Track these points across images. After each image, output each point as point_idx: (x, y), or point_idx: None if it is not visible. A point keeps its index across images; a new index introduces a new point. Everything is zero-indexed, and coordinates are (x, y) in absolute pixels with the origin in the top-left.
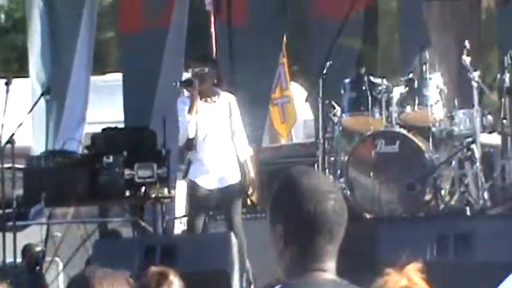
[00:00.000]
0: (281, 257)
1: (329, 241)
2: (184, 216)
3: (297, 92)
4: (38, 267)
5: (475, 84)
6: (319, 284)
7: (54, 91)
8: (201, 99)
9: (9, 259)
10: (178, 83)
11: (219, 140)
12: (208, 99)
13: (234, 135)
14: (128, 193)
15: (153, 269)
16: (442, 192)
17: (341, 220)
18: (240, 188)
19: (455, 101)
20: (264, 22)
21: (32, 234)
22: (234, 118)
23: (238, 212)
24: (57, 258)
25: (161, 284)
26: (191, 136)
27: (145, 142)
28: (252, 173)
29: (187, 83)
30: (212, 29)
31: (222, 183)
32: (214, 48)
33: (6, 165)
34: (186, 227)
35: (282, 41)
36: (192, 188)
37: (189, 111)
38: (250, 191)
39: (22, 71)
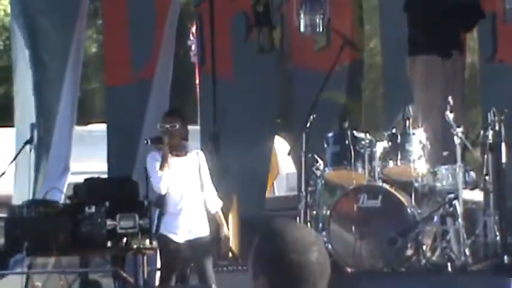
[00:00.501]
0: None
1: None
2: None
3: (280, 145)
4: None
5: (458, 141)
6: None
7: (39, 140)
8: (171, 154)
9: None
10: (149, 141)
11: (189, 193)
12: (179, 153)
13: (203, 188)
14: (109, 243)
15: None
16: (424, 247)
17: (325, 271)
18: (209, 241)
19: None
20: (251, 75)
21: (13, 283)
22: (203, 171)
23: (209, 264)
24: None
25: None
26: (163, 192)
27: (128, 193)
28: (224, 225)
29: (158, 140)
30: (197, 81)
31: (191, 235)
32: (198, 100)
33: None
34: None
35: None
36: (164, 242)
37: (161, 167)
38: (230, 243)
39: (4, 121)
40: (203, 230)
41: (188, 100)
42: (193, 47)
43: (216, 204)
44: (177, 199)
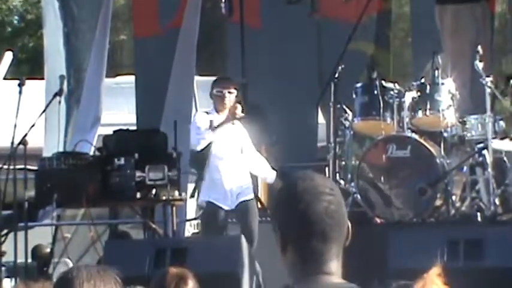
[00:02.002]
0: (284, 260)
1: (323, 243)
2: (194, 218)
3: None
4: (46, 268)
5: (487, 90)
6: None
7: (69, 92)
8: (220, 115)
9: (20, 259)
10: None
11: (235, 159)
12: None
13: (253, 158)
14: (138, 195)
15: (173, 270)
16: (453, 197)
17: (334, 222)
18: (254, 203)
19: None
20: (280, 25)
21: (43, 235)
22: (251, 146)
23: (255, 226)
24: (67, 259)
25: (179, 286)
26: (199, 149)
27: (157, 144)
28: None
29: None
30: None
31: (238, 200)
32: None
33: (18, 166)
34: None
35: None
36: (212, 210)
37: (214, 128)
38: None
39: (33, 73)
40: (248, 194)
41: (217, 52)
42: None
43: (272, 175)
44: (224, 165)
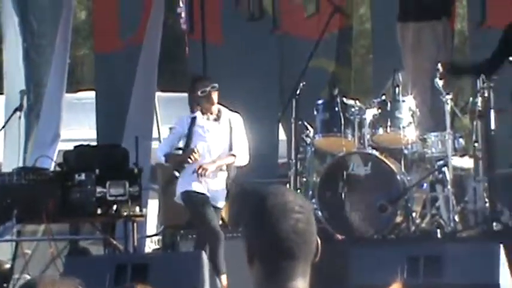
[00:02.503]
0: (250, 271)
1: (290, 260)
2: (155, 234)
3: None
4: (7, 285)
5: (447, 107)
6: None
7: (29, 107)
8: (206, 118)
9: None
10: (177, 173)
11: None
12: (211, 116)
13: (234, 146)
14: (99, 211)
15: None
16: (413, 214)
17: (302, 240)
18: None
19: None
20: (242, 42)
21: (2, 251)
22: (235, 134)
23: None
24: (27, 276)
25: None
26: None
27: (118, 160)
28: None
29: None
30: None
31: (212, 201)
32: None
33: None
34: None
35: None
36: (188, 195)
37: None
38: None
39: None
40: (221, 201)
41: (178, 68)
42: (182, 14)
43: (240, 156)
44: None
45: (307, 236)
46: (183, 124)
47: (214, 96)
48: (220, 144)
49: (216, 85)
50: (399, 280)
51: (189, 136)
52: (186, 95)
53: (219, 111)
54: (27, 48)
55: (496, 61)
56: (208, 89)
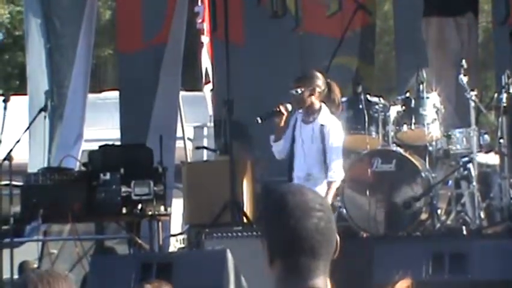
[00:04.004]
0: (271, 272)
1: (312, 259)
2: (180, 233)
3: None
4: None
5: (472, 104)
6: None
7: (52, 108)
8: (303, 120)
9: (6, 275)
10: (260, 119)
11: (306, 161)
12: (306, 119)
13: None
14: (124, 210)
15: (148, 286)
16: (439, 211)
17: (324, 239)
18: None
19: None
20: (264, 41)
21: (29, 251)
22: (327, 143)
23: None
24: None
25: None
26: (279, 158)
27: (142, 159)
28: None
29: (271, 115)
30: (204, 48)
31: None
32: (201, 67)
33: (3, 182)
34: (183, 245)
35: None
36: None
37: (275, 138)
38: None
39: (23, 88)
40: None
41: (193, 66)
42: (200, 14)
43: (332, 174)
44: (296, 165)
45: (329, 234)
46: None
47: (296, 97)
48: (309, 149)
49: (299, 90)
50: (408, 277)
51: None
52: (200, 93)
53: (314, 112)
54: (50, 49)
55: None
56: (292, 90)
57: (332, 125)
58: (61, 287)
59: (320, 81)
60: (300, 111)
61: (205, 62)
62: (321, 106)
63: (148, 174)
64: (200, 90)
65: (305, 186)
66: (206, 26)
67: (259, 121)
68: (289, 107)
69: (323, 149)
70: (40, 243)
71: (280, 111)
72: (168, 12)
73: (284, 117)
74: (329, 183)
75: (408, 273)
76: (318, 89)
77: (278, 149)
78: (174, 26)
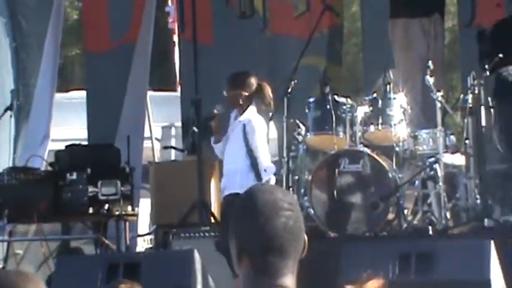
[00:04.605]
0: (238, 269)
1: (280, 258)
2: (147, 234)
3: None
4: None
5: (438, 105)
6: None
7: (18, 107)
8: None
9: None
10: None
11: (230, 157)
12: (235, 117)
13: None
14: (91, 210)
15: (122, 284)
16: (405, 211)
17: (292, 238)
18: None
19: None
20: (232, 41)
21: None
22: (250, 139)
23: None
24: None
25: None
26: (221, 158)
27: (109, 159)
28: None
29: (208, 119)
30: (176, 48)
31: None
32: (176, 67)
33: None
34: (150, 245)
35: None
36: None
37: (214, 141)
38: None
39: None
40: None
41: (168, 67)
42: (171, 14)
43: (263, 174)
44: (224, 161)
45: (297, 233)
46: None
47: (228, 101)
48: (229, 147)
49: (225, 92)
50: (381, 278)
51: None
52: (177, 94)
53: (240, 113)
54: (16, 48)
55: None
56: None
57: (252, 124)
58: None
59: (248, 81)
60: (235, 110)
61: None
62: (248, 106)
63: (115, 174)
64: (168, 90)
65: (276, 186)
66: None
67: (206, 121)
68: (220, 108)
69: (246, 147)
70: (5, 243)
71: (213, 115)
72: (136, 12)
73: (217, 120)
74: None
75: (377, 274)
76: (245, 90)
77: (219, 150)
78: (143, 26)
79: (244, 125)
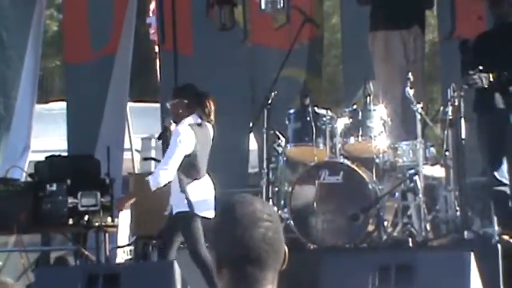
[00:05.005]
0: (218, 280)
1: (259, 269)
2: (127, 245)
3: None
4: None
5: (418, 117)
6: None
7: None
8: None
9: None
10: (157, 139)
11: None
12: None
13: None
14: (71, 221)
15: None
16: (385, 223)
17: (271, 249)
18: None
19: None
20: (212, 52)
21: None
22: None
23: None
24: None
25: None
26: None
27: (89, 170)
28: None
29: (164, 133)
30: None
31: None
32: (159, 77)
33: None
34: (130, 256)
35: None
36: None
37: None
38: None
39: None
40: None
41: (149, 78)
42: (152, 25)
43: (149, 177)
44: None
45: (276, 244)
46: None
47: (171, 110)
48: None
49: (170, 102)
50: None
51: None
52: (157, 105)
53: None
54: None
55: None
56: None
57: (177, 131)
58: None
59: (186, 93)
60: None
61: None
62: (186, 116)
63: (95, 185)
64: (147, 101)
65: (255, 197)
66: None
67: (158, 140)
68: (172, 121)
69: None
70: None
71: (166, 128)
72: (115, 23)
73: (169, 132)
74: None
75: (360, 285)
76: (186, 98)
77: None
78: (123, 36)
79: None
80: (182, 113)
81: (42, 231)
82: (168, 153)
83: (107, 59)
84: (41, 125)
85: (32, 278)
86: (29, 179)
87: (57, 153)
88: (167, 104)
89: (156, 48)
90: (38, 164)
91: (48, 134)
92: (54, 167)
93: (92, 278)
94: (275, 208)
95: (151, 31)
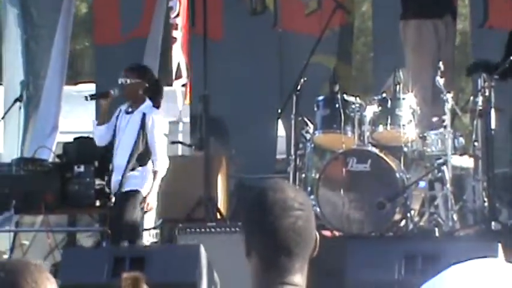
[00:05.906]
0: (248, 263)
1: (288, 257)
2: (153, 228)
3: None
4: None
5: (448, 106)
6: None
7: (28, 98)
8: (126, 110)
9: None
10: (89, 97)
11: (121, 150)
12: (128, 110)
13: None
14: (98, 203)
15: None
16: (412, 212)
17: (301, 239)
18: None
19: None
20: (242, 37)
21: (0, 242)
22: (150, 129)
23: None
24: None
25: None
26: (98, 144)
27: None
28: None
29: (99, 96)
30: (177, 43)
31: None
32: (171, 62)
33: None
34: (156, 239)
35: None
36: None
37: (98, 122)
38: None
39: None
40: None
41: (165, 61)
42: (173, 8)
43: (156, 163)
44: (117, 153)
45: (305, 233)
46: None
47: (126, 89)
48: (125, 137)
49: (128, 80)
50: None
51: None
52: (171, 88)
53: (137, 103)
54: (26, 39)
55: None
56: (122, 80)
57: (154, 115)
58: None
59: (150, 74)
60: (126, 103)
61: (177, 57)
62: (145, 99)
63: None
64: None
65: (289, 184)
66: (181, 21)
67: (87, 99)
68: (117, 92)
69: (141, 138)
70: (12, 234)
71: (107, 94)
72: (147, 7)
73: (108, 101)
74: (154, 173)
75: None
76: (145, 84)
77: (99, 133)
78: (154, 19)
79: (144, 115)
80: (141, 95)
81: (69, 212)
82: (157, 143)
83: (136, 42)
84: (69, 106)
85: (59, 257)
86: (56, 159)
87: (85, 135)
88: (122, 80)
89: (174, 33)
90: (66, 145)
91: (76, 115)
92: (82, 149)
93: (118, 260)
94: (307, 196)
95: (172, 15)
